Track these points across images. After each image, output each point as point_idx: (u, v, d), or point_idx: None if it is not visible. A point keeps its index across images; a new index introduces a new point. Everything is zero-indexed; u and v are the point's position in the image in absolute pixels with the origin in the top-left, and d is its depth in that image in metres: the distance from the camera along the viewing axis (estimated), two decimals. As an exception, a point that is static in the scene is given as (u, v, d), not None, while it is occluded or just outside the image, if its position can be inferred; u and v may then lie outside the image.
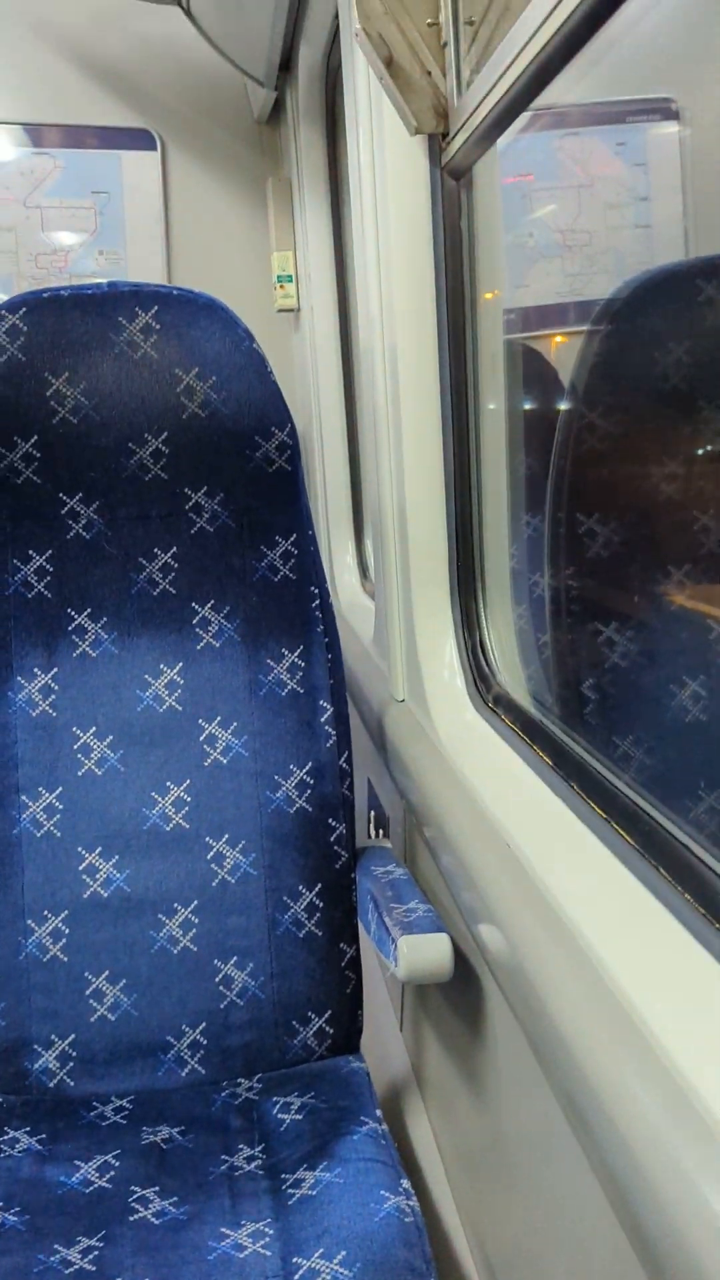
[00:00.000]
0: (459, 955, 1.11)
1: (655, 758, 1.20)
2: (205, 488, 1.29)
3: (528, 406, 1.42)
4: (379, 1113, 1.17)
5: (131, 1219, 1.03)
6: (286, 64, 2.08)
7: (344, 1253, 0.94)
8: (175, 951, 1.26)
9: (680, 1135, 0.57)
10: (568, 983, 0.74)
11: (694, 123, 1.98)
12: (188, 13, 2.03)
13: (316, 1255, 0.95)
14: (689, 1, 0.78)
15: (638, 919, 0.76)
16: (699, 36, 1.25)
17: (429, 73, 1.15)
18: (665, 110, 1.99)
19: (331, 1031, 1.29)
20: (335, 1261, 0.94)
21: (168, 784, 1.28)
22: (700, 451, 1.27)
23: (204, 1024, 1.26)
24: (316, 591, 1.31)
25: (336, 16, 1.62)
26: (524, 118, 1.06)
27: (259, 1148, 1.14)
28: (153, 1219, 1.03)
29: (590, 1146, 0.67)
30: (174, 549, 1.30)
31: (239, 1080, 1.26)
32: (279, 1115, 1.18)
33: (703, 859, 0.76)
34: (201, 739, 1.29)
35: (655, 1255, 0.56)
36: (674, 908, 0.75)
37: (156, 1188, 1.07)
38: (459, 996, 1.21)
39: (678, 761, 1.22)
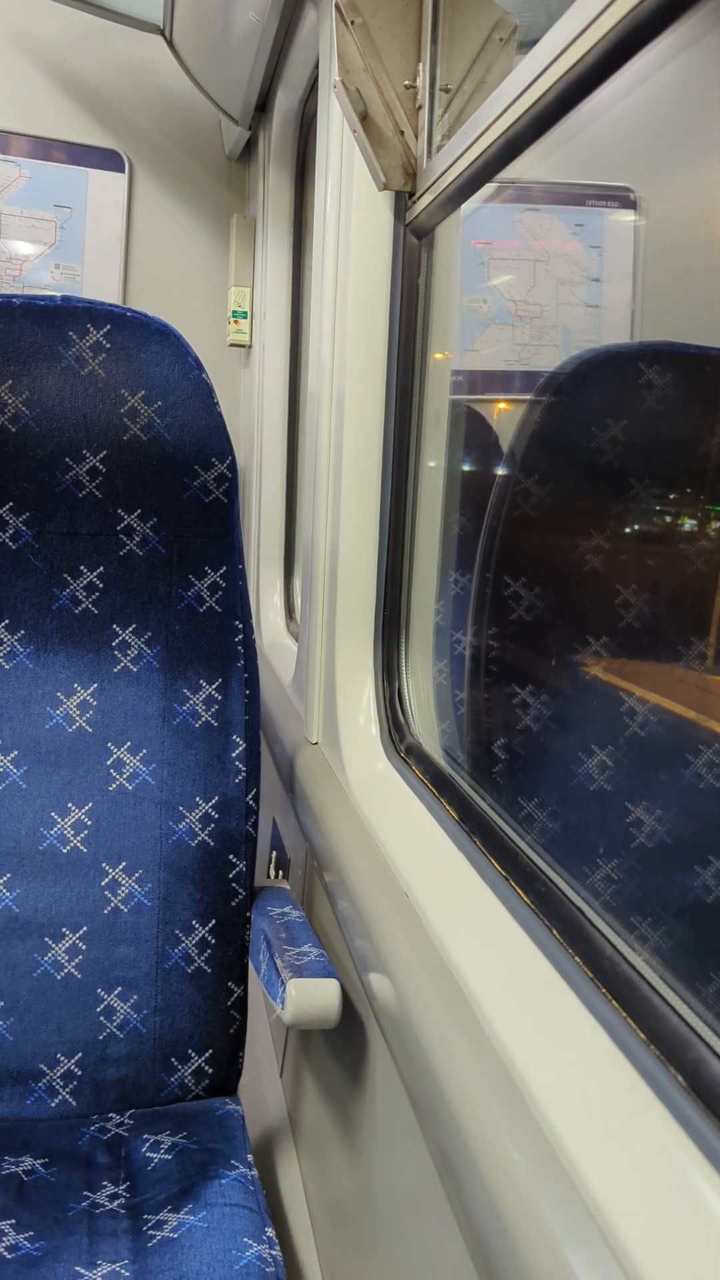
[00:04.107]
0: (347, 1003, 1.10)
1: (557, 822, 1.22)
2: (139, 511, 1.28)
3: (466, 467, 1.44)
4: (250, 1158, 1.15)
5: None
6: (263, 105, 2.10)
7: None
8: (59, 978, 1.23)
9: (548, 1200, 0.57)
10: (452, 1038, 0.74)
11: (649, 214, 2.06)
12: (170, 43, 2.05)
13: (172, 1301, 0.93)
14: (652, 99, 0.81)
15: (528, 979, 0.77)
16: (659, 133, 1.30)
17: (401, 132, 1.18)
18: (624, 199, 2.07)
19: (210, 1071, 1.27)
20: None
21: (69, 805, 1.26)
22: (627, 529, 1.31)
23: (80, 1054, 1.23)
24: (241, 626, 1.31)
25: (316, 67, 1.65)
26: (489, 187, 1.09)
27: (123, 1186, 1.11)
28: (5, 1253, 0.99)
29: (459, 1206, 0.67)
30: (100, 569, 1.29)
31: (110, 1115, 1.23)
32: (147, 1154, 1.15)
33: (595, 924, 0.77)
34: (109, 763, 1.27)
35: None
36: (564, 970, 0.76)
37: (13, 1220, 1.04)
38: (343, 1045, 1.20)
39: (579, 828, 1.23)
